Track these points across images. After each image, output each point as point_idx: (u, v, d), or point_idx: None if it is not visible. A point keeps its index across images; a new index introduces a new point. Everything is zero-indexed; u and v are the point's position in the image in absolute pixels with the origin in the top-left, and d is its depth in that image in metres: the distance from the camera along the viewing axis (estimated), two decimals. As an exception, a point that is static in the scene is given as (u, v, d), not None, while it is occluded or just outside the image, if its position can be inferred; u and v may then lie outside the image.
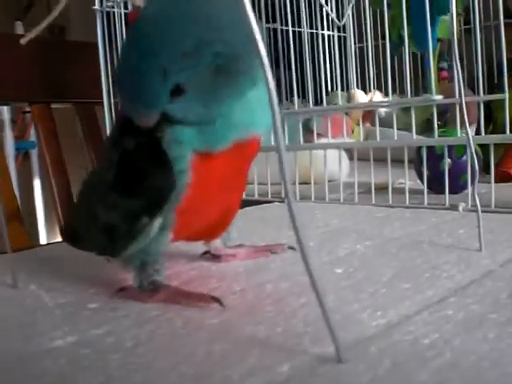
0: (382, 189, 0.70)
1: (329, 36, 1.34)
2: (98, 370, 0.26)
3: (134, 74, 0.29)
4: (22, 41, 0.47)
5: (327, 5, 0.71)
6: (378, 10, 0.94)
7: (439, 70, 1.23)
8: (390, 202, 0.66)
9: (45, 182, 2.30)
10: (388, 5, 0.66)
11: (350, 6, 0.62)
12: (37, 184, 2.43)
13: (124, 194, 0.34)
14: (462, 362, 0.25)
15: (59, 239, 0.44)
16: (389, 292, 0.35)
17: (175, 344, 0.29)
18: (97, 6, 0.91)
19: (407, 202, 0.65)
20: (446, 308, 0.32)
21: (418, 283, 0.37)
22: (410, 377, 0.24)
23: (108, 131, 0.94)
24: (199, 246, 0.44)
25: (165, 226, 0.34)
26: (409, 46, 0.64)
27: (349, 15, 0.62)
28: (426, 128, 0.95)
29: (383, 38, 0.66)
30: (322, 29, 1.15)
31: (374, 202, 0.68)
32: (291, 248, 0.45)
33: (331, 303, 0.32)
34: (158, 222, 0.33)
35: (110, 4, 0.90)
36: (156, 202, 0.33)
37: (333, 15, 0.64)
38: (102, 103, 1.00)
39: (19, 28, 2.23)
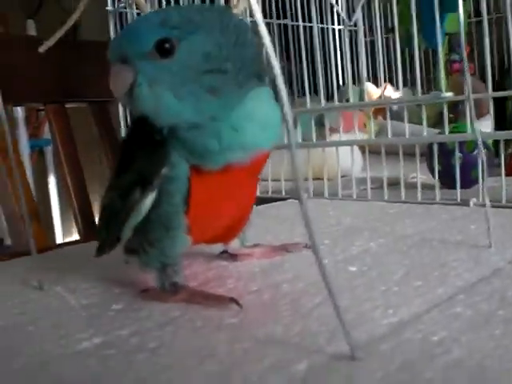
0: (394, 184, 0.71)
1: (339, 30, 1.35)
2: (125, 371, 0.28)
3: None
4: (41, 49, 0.48)
5: (337, 4, 0.72)
6: (388, 4, 0.95)
7: (451, 62, 1.24)
8: (403, 198, 0.67)
9: (60, 180, 2.33)
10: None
11: (360, 4, 0.63)
12: (52, 181, 2.45)
13: (120, 174, 0.37)
14: (468, 359, 0.26)
15: (75, 237, 0.46)
16: (400, 290, 0.37)
17: (197, 344, 0.31)
18: (109, 7, 0.93)
19: (419, 198, 0.66)
20: (454, 306, 0.33)
21: (429, 281, 0.38)
22: (419, 374, 0.25)
23: (123, 129, 0.95)
24: (216, 246, 0.46)
25: (179, 229, 0.36)
26: (418, 42, 0.65)
27: (359, 12, 0.63)
28: (438, 120, 0.95)
29: (393, 31, 0.67)
30: (332, 23, 1.16)
31: (386, 198, 0.69)
32: (307, 247, 0.46)
33: (345, 302, 0.34)
34: (150, 198, 0.34)
35: (122, 5, 0.92)
36: (146, 176, 0.34)
37: (343, 14, 0.65)
38: (115, 101, 1.01)
39: (31, 27, 2.24)
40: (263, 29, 0.22)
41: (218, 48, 0.32)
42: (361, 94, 1.25)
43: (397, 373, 0.25)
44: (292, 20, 1.24)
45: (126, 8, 0.92)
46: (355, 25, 0.68)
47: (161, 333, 0.32)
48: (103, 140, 1.22)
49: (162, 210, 0.35)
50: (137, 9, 0.90)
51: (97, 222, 0.42)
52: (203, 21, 0.32)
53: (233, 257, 0.45)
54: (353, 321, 0.31)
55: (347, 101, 0.96)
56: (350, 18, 0.67)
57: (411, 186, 0.69)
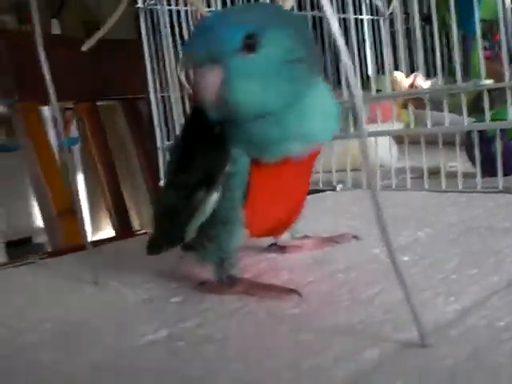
0: (433, 173, 0.71)
1: (372, 20, 1.34)
2: (197, 362, 0.28)
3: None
4: (84, 47, 0.49)
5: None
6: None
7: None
8: (443, 187, 0.67)
9: (89, 179, 2.35)
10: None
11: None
12: (80, 179, 2.47)
13: (183, 172, 0.37)
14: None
15: (104, 235, 0.46)
16: (457, 278, 0.37)
17: (262, 334, 0.31)
18: (140, 4, 0.93)
19: (460, 187, 0.66)
20: (514, 292, 0.33)
21: (484, 269, 0.38)
22: (489, 360, 0.25)
23: (156, 125, 0.95)
24: (265, 239, 0.46)
25: (237, 223, 0.36)
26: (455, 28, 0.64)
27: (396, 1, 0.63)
28: (474, 107, 0.95)
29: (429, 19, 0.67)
30: (367, 13, 1.15)
31: (427, 188, 0.69)
32: (355, 237, 0.47)
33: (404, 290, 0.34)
34: (215, 196, 0.35)
35: (152, 2, 0.92)
36: (210, 174, 0.35)
37: (380, 5, 0.64)
38: (143, 98, 1.02)
39: (55, 26, 2.27)
40: (335, 23, 0.22)
41: (293, 39, 0.32)
42: (392, 85, 1.25)
43: (467, 359, 0.26)
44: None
45: (156, 5, 0.92)
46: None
47: (225, 324, 0.33)
48: (133, 137, 1.24)
49: (221, 205, 0.35)
50: (168, 5, 0.91)
51: (152, 220, 0.42)
52: (273, 16, 0.33)
53: (282, 249, 0.46)
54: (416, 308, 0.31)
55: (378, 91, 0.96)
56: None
57: (451, 175, 0.69)
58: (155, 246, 0.41)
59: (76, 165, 2.47)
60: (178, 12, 0.90)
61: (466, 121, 0.66)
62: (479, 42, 0.64)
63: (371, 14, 1.27)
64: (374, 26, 1.11)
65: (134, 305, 0.38)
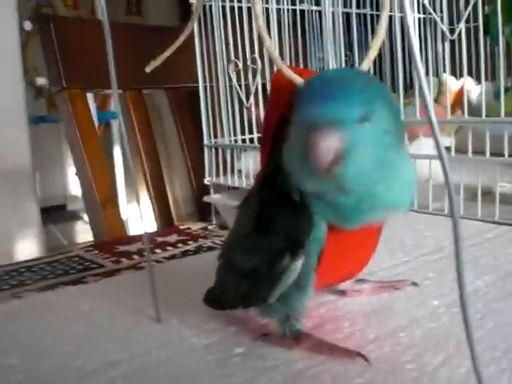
0: (483, 194, 0.68)
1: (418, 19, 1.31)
2: None
3: None
4: (147, 69, 0.49)
5: (435, 12, 0.70)
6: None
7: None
8: (497, 217, 0.66)
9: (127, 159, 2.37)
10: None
11: (464, 18, 0.61)
12: (117, 152, 2.50)
13: (264, 236, 0.36)
14: None
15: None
16: (523, 350, 0.36)
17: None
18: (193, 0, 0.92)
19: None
20: None
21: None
22: None
23: (205, 122, 0.95)
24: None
25: (309, 286, 0.36)
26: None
27: (462, 25, 0.61)
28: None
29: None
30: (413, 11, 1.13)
31: (480, 216, 0.67)
32: (414, 284, 0.47)
33: (468, 361, 0.34)
34: (300, 262, 0.35)
35: (207, -1, 0.91)
36: (296, 239, 0.34)
37: (444, 27, 0.63)
38: (191, 88, 1.02)
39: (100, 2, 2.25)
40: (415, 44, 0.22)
41: (387, 110, 0.33)
42: (440, 87, 1.23)
43: None
44: (372, 9, 1.21)
45: (211, 1, 0.91)
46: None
47: (291, 389, 0.33)
48: (179, 127, 1.24)
49: None
50: (222, 1, 0.90)
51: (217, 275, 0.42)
52: (377, 87, 0.33)
53: (342, 293, 0.46)
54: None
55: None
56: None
57: (505, 200, 0.67)
58: (216, 301, 0.41)
59: (114, 138, 2.50)
60: (232, 8, 0.90)
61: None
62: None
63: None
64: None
65: (199, 351, 0.39)
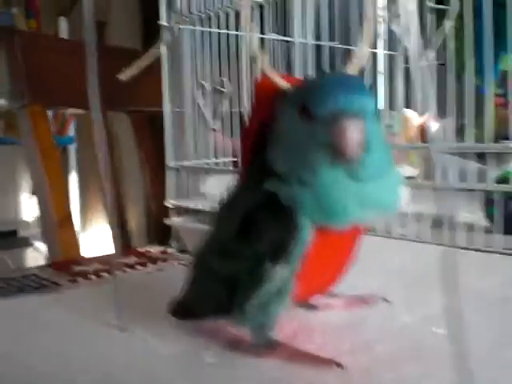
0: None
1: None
2: None
3: None
4: (122, 76, 0.48)
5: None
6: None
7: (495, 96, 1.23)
8: (462, 243, 0.66)
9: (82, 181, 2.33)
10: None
11: (437, 44, 0.62)
12: (73, 178, 2.45)
13: (247, 242, 0.35)
14: None
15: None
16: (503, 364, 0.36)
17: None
18: (164, 22, 0.92)
19: (479, 244, 0.65)
20: None
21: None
22: None
23: (168, 142, 0.94)
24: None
25: (287, 293, 0.35)
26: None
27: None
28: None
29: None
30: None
31: (445, 242, 0.68)
32: (385, 300, 0.46)
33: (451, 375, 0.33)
34: (283, 268, 0.34)
35: (177, 22, 0.91)
36: (282, 244, 0.33)
37: (412, 63, 0.64)
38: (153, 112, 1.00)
39: (63, 24, 2.24)
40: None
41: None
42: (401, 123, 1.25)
43: None
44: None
45: (180, 24, 0.91)
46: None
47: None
48: (141, 149, 1.22)
49: None
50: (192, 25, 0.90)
51: (187, 284, 0.41)
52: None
53: (313, 307, 0.45)
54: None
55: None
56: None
57: (462, 227, 0.68)
58: (185, 312, 0.40)
59: (71, 164, 2.45)
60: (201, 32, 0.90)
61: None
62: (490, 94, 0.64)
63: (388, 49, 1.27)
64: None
65: (166, 361, 0.37)
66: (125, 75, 0.47)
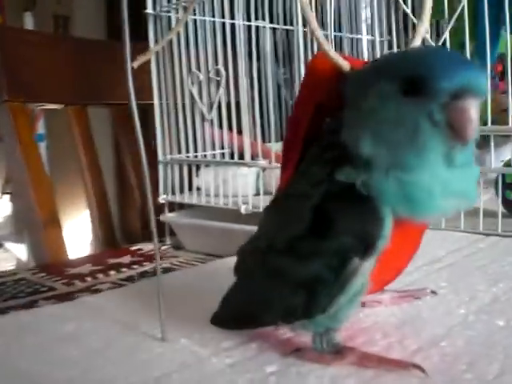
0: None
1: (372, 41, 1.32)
2: None
3: None
4: (135, 64, 0.45)
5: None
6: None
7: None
8: (481, 229, 0.65)
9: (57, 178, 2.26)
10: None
11: (448, 28, 0.60)
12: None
13: (326, 237, 0.31)
14: None
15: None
16: None
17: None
18: (150, 10, 0.88)
19: (499, 230, 0.64)
20: None
21: None
22: None
23: (159, 131, 0.90)
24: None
25: (363, 292, 0.32)
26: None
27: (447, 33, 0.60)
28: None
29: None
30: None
31: (463, 228, 0.66)
32: (433, 292, 0.44)
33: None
34: (370, 263, 0.31)
35: (164, 9, 0.87)
36: (368, 237, 0.30)
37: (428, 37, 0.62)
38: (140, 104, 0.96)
39: (29, 19, 2.17)
40: None
41: None
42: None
43: None
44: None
45: (169, 12, 0.87)
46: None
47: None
48: (124, 143, 1.18)
49: None
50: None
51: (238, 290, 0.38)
52: None
53: (361, 304, 0.42)
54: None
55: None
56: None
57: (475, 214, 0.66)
58: (237, 320, 0.37)
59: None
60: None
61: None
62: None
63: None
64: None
65: (224, 373, 0.34)
66: (137, 62, 0.43)
